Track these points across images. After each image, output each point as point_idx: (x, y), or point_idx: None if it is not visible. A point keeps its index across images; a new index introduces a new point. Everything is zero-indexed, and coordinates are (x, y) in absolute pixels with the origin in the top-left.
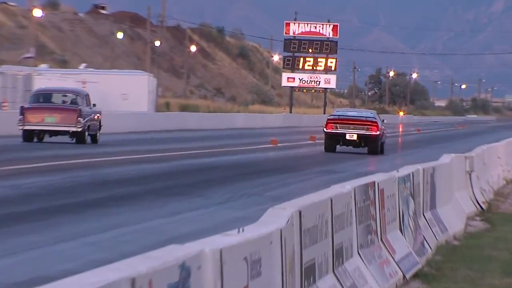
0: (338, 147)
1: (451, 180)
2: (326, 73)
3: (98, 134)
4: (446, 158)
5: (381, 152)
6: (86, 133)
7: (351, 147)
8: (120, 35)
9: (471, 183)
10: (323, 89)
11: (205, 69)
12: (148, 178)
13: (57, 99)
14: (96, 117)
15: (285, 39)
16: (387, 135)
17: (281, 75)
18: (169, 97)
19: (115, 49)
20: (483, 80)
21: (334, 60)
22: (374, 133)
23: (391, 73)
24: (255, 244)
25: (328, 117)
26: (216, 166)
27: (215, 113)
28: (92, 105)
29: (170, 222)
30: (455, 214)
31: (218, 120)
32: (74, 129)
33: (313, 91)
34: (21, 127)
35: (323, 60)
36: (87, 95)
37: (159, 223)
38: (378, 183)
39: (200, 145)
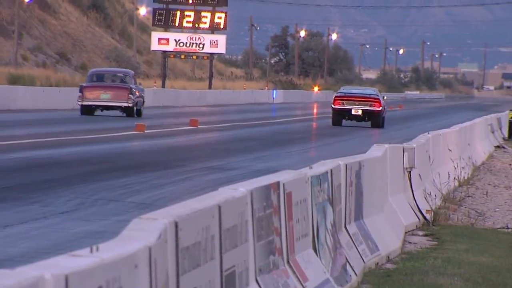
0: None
1: (384, 180)
2: (212, 33)
3: (141, 109)
4: (377, 151)
5: (382, 125)
6: (135, 108)
7: (355, 121)
8: None
9: (411, 185)
10: (208, 55)
11: (43, 26)
12: None
13: (109, 78)
14: (141, 94)
15: None
16: (387, 110)
17: (150, 36)
18: None
19: None
20: (428, 43)
21: (223, 15)
22: (377, 108)
23: (302, 33)
24: (114, 268)
25: (336, 94)
26: (60, 160)
27: (59, 87)
28: (138, 84)
29: None
30: (389, 227)
31: (63, 97)
32: (125, 104)
33: (194, 57)
34: (80, 103)
35: (208, 14)
36: (134, 75)
37: None
38: (283, 184)
39: (37, 131)
